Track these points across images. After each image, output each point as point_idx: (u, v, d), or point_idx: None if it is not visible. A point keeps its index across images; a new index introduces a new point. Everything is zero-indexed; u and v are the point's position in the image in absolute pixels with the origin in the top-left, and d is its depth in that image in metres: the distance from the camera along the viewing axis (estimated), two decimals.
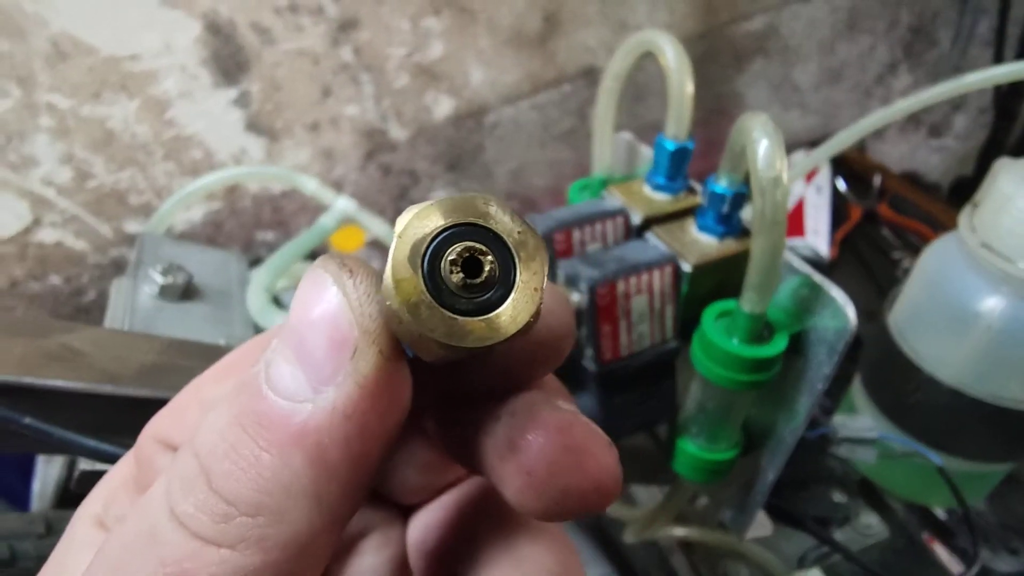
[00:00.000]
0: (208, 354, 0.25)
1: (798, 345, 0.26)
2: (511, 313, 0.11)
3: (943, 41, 1.03)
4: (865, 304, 0.84)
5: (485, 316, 0.11)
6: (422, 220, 0.10)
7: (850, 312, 0.23)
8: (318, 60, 0.74)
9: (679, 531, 0.45)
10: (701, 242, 0.26)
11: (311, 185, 0.37)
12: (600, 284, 0.24)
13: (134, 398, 0.21)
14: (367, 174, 0.84)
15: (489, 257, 0.11)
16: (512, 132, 0.89)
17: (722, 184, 0.25)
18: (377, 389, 0.12)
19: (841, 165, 0.98)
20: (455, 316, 0.11)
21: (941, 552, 0.49)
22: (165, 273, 0.28)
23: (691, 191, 0.29)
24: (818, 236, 0.86)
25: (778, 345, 0.25)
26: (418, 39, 0.76)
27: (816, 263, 0.85)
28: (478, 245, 0.11)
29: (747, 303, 0.24)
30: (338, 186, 0.84)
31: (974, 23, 1.00)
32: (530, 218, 0.28)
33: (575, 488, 0.13)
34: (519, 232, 0.11)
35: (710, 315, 0.26)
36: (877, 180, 0.92)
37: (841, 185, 0.94)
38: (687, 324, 0.27)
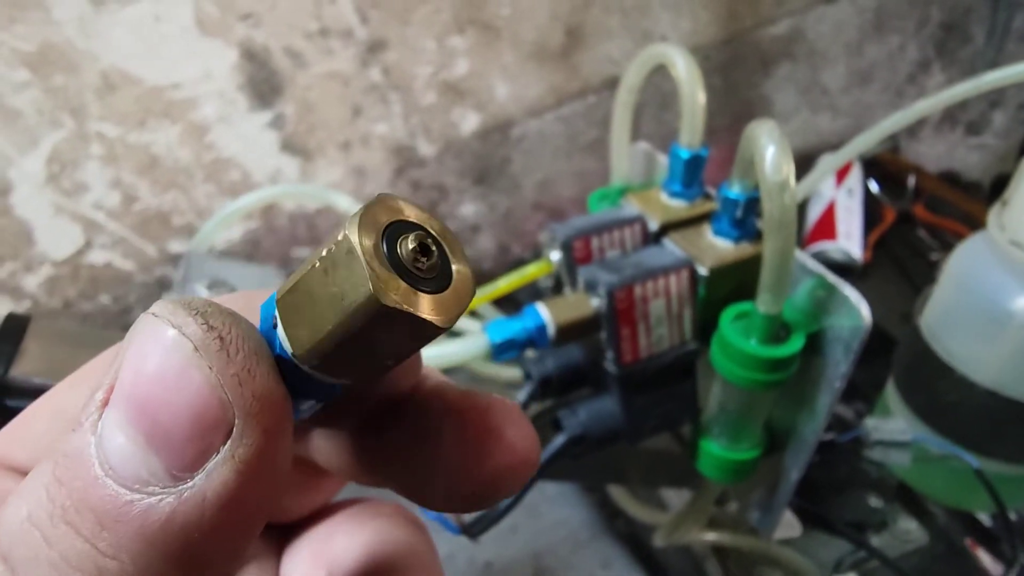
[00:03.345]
0: None
1: (815, 345, 0.26)
2: (455, 298, 0.11)
3: (977, 37, 1.01)
4: (901, 307, 0.82)
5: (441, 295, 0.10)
6: (371, 219, 0.10)
7: (864, 310, 0.24)
8: (348, 81, 0.77)
9: (711, 536, 0.45)
10: (717, 246, 0.28)
11: (344, 202, 0.39)
12: (618, 288, 0.25)
13: None
14: (397, 190, 0.86)
15: (434, 247, 0.11)
16: (538, 144, 0.91)
17: (735, 190, 0.26)
18: (261, 468, 0.09)
19: (873, 167, 0.97)
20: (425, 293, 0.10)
21: (984, 558, 0.48)
22: (211, 288, 0.30)
23: (707, 197, 0.30)
24: (850, 239, 0.85)
25: (795, 345, 0.25)
26: (444, 57, 0.79)
27: (849, 267, 0.84)
28: (424, 234, 0.11)
29: (762, 304, 0.25)
30: None
31: (1009, 17, 0.98)
32: (551, 227, 0.29)
33: (503, 466, 0.12)
34: (440, 227, 0.11)
35: (728, 317, 0.27)
36: (911, 181, 0.91)
37: (874, 187, 0.93)
38: (706, 327, 0.28)
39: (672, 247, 0.28)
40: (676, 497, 0.50)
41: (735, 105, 0.97)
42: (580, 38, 0.84)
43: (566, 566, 0.70)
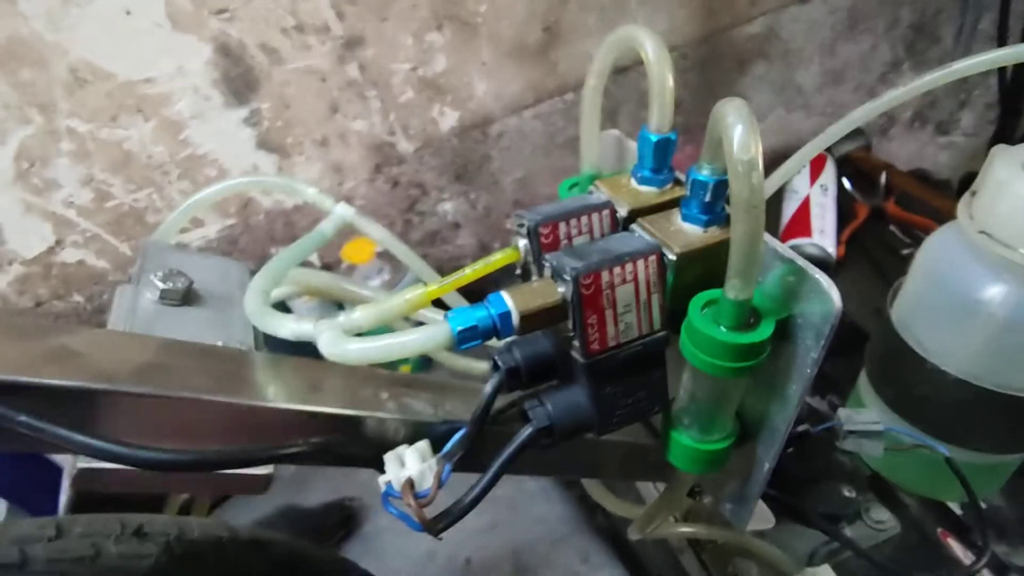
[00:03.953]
0: (204, 354, 0.25)
1: (786, 331, 0.25)
2: None
3: (946, 38, 1.02)
4: (874, 302, 0.82)
5: None
6: None
7: (834, 295, 0.23)
8: (325, 77, 0.75)
9: (686, 529, 0.44)
10: (685, 231, 0.26)
11: (310, 192, 0.38)
12: (584, 274, 0.24)
13: (129, 394, 0.22)
14: (376, 187, 0.85)
15: None
16: (517, 142, 0.89)
17: (704, 173, 0.25)
18: None
19: (847, 164, 0.97)
20: None
21: (956, 547, 0.48)
22: (165, 279, 0.28)
23: (677, 183, 0.29)
24: (824, 236, 0.85)
25: (764, 331, 0.24)
26: (422, 54, 0.78)
27: (824, 262, 0.84)
28: None
29: (731, 290, 0.24)
30: (348, 200, 0.85)
31: (976, 19, 0.98)
32: (517, 213, 0.28)
33: None
34: None
35: (697, 304, 0.26)
36: (883, 178, 0.91)
37: (847, 185, 0.93)
38: (677, 315, 0.27)
39: (641, 233, 0.27)
40: (652, 490, 0.49)
41: (712, 103, 0.97)
42: (558, 35, 0.83)
43: (545, 561, 0.69)
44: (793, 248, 0.87)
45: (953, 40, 1.01)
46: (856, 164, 0.97)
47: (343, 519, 0.71)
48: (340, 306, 0.47)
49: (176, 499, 0.36)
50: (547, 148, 0.92)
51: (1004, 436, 0.44)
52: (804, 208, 0.88)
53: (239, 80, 0.72)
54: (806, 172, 0.92)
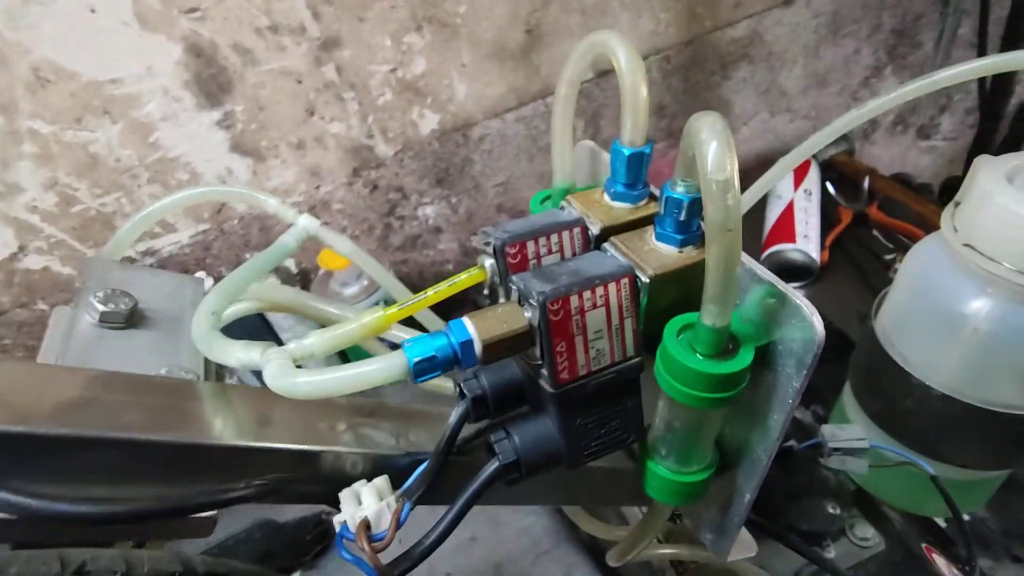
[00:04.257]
0: (139, 387, 0.23)
1: (766, 358, 0.24)
2: None
3: (927, 43, 1.01)
4: (858, 307, 0.81)
5: None
6: None
7: (817, 323, 0.21)
8: (301, 79, 0.73)
9: (668, 550, 0.43)
10: (660, 251, 0.25)
11: (272, 203, 0.35)
12: (551, 299, 0.22)
13: (49, 437, 0.19)
14: (354, 191, 0.82)
15: None
16: (499, 145, 0.87)
17: (678, 190, 0.24)
18: None
19: (830, 169, 0.96)
20: None
21: (941, 563, 0.46)
22: (106, 300, 0.26)
23: (652, 198, 0.27)
24: (808, 241, 0.84)
25: (743, 360, 0.23)
26: (401, 55, 0.75)
27: (808, 268, 0.83)
28: None
29: (707, 316, 0.22)
30: (325, 204, 0.83)
31: (956, 24, 0.98)
32: (484, 231, 0.26)
33: None
34: None
35: (673, 328, 0.24)
36: (866, 183, 0.90)
37: (831, 189, 0.92)
38: (652, 338, 0.25)
39: (613, 253, 0.25)
40: (636, 511, 0.48)
41: (695, 107, 0.95)
42: (540, 38, 0.81)
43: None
44: (777, 253, 0.86)
45: (934, 45, 1.01)
46: (840, 168, 0.96)
47: (319, 534, 0.69)
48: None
49: None
50: (530, 152, 0.90)
51: (989, 453, 0.43)
52: (788, 213, 0.87)
53: (211, 81, 0.70)
54: (790, 176, 0.91)
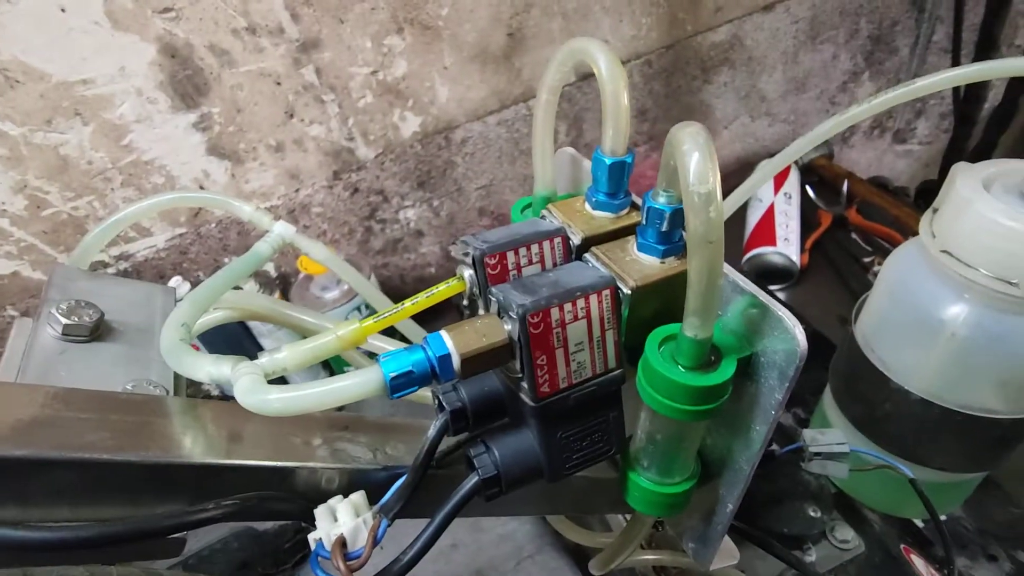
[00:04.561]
0: (102, 404, 0.22)
1: (749, 369, 0.24)
2: None
3: (903, 49, 1.03)
4: (838, 310, 0.82)
5: None
6: None
7: (799, 335, 0.21)
8: (280, 81, 0.71)
9: (651, 556, 0.42)
10: (642, 262, 0.24)
11: (246, 210, 0.34)
12: (531, 312, 0.22)
13: (4, 459, 0.18)
14: (334, 194, 0.81)
15: None
16: (482, 148, 0.87)
17: (660, 200, 0.23)
18: None
19: (810, 172, 0.97)
20: None
21: (919, 563, 0.47)
22: (69, 312, 0.25)
23: (634, 207, 0.27)
24: (789, 244, 0.85)
25: (725, 372, 0.22)
26: (382, 57, 0.74)
27: (788, 271, 0.83)
28: None
29: (689, 328, 0.22)
30: (305, 207, 0.81)
31: (931, 31, 0.99)
32: (463, 240, 0.26)
33: None
34: None
35: (655, 340, 0.24)
36: (845, 186, 0.91)
37: (811, 192, 0.93)
38: (634, 350, 0.25)
39: (595, 264, 0.25)
40: (619, 518, 0.47)
41: (677, 111, 0.96)
42: (522, 41, 0.80)
43: None
44: (758, 256, 0.87)
45: (910, 51, 1.02)
46: (819, 172, 0.97)
47: (299, 542, 0.67)
48: None
49: None
50: (512, 155, 0.90)
51: (966, 456, 0.43)
52: (768, 216, 0.87)
53: (187, 83, 0.68)
54: (770, 180, 0.92)
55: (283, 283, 0.84)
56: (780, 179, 0.91)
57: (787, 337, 0.22)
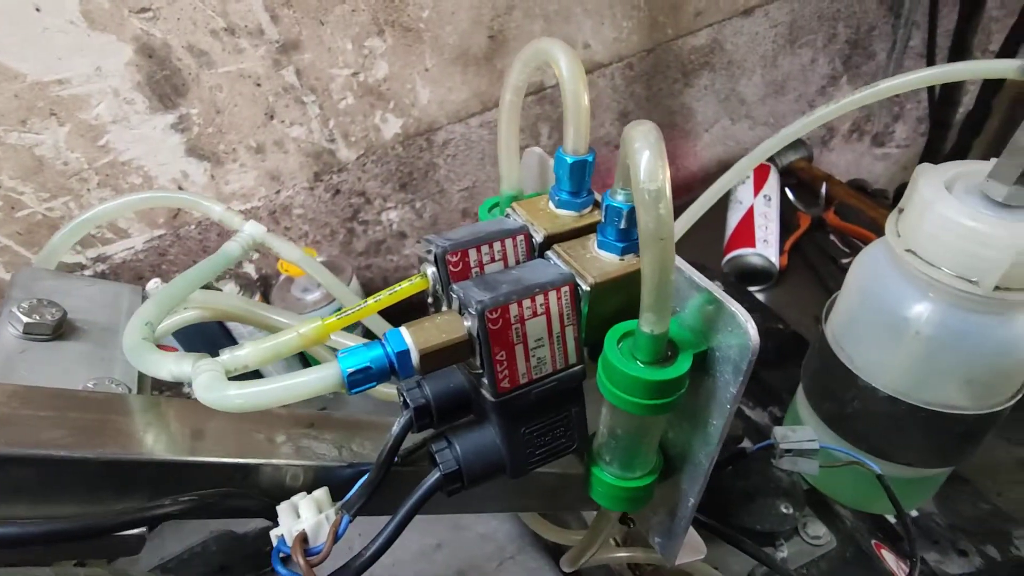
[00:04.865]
0: (62, 402, 0.22)
1: (705, 364, 0.24)
2: None
3: (880, 54, 1.04)
4: (815, 310, 0.83)
5: None
6: None
7: (751, 330, 0.22)
8: (260, 82, 0.71)
9: (623, 554, 0.43)
10: (601, 259, 0.25)
11: (216, 209, 0.34)
12: (490, 308, 0.22)
13: None
14: (316, 195, 0.81)
15: None
16: (463, 150, 0.87)
17: (618, 198, 0.24)
18: None
19: (789, 175, 0.98)
20: None
21: (889, 559, 0.48)
22: (31, 311, 0.25)
23: (597, 206, 0.27)
24: (768, 245, 0.86)
25: (681, 366, 0.23)
26: (363, 59, 0.75)
27: (768, 272, 0.84)
28: None
29: (645, 324, 0.22)
30: (286, 209, 0.81)
31: (908, 36, 1.01)
32: (426, 238, 0.26)
33: None
34: None
35: (613, 336, 0.24)
36: (823, 189, 0.93)
37: (790, 195, 0.94)
38: (596, 347, 0.25)
39: (556, 261, 0.25)
40: (592, 513, 0.48)
41: (658, 113, 0.97)
42: (503, 43, 0.81)
43: None
44: (738, 257, 0.88)
45: (887, 56, 1.04)
46: (798, 175, 0.98)
47: None
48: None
49: None
50: (494, 157, 0.90)
51: (932, 451, 0.44)
52: (748, 218, 0.88)
53: (165, 83, 0.68)
54: (750, 183, 0.93)
55: (264, 285, 0.84)
56: (760, 182, 0.92)
57: (740, 332, 0.22)
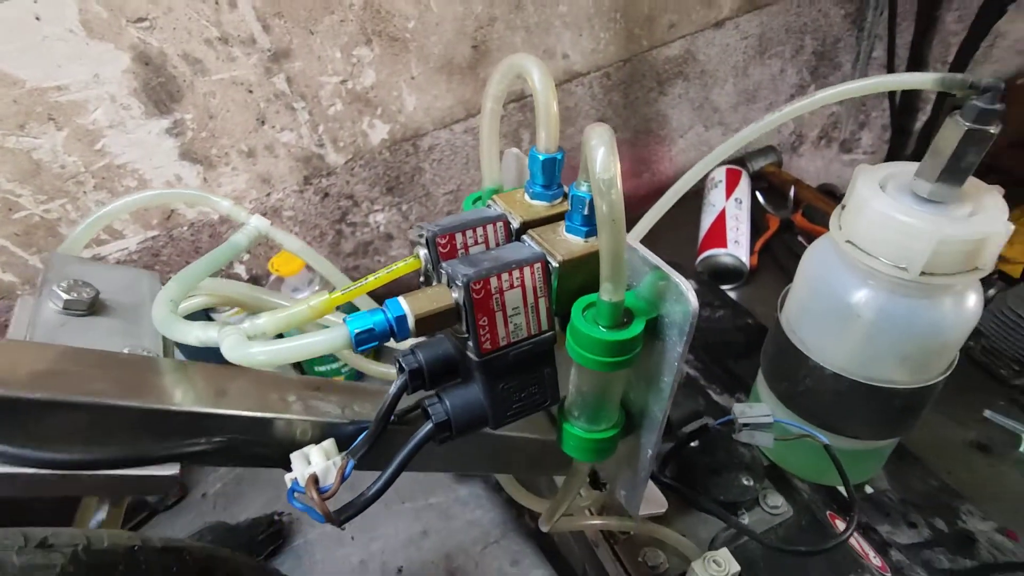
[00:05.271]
0: (105, 361, 0.26)
1: (656, 330, 0.29)
2: None
3: (845, 64, 1.12)
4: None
5: None
6: None
7: (691, 298, 0.27)
8: (252, 89, 0.76)
9: (597, 521, 0.47)
10: (568, 241, 0.30)
11: (224, 204, 0.39)
12: (474, 280, 0.27)
13: (24, 400, 0.23)
14: (305, 198, 0.85)
15: None
16: (448, 155, 0.92)
17: (582, 189, 0.29)
18: None
19: (759, 179, 1.05)
20: None
21: (841, 526, 0.53)
22: (69, 289, 0.29)
23: (567, 197, 0.32)
24: (739, 246, 0.91)
25: (636, 329, 0.28)
26: (351, 67, 0.79)
27: (739, 271, 0.90)
28: None
29: (605, 293, 0.27)
30: (277, 211, 0.85)
31: (871, 48, 1.09)
32: (418, 225, 0.31)
33: None
34: None
35: (579, 307, 0.29)
36: (792, 192, 0.99)
37: (760, 198, 1.00)
38: (565, 317, 0.30)
39: (530, 243, 0.30)
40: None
41: (635, 120, 1.03)
42: (486, 53, 0.86)
43: (476, 565, 0.71)
44: (710, 257, 0.93)
45: (852, 67, 1.11)
46: (768, 179, 1.04)
47: (272, 533, 0.70)
48: None
49: (86, 517, 0.36)
50: (478, 161, 0.95)
51: (874, 424, 0.49)
52: (720, 220, 0.94)
53: (160, 90, 0.72)
54: (723, 186, 0.99)
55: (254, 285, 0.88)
56: (731, 186, 0.98)
57: (684, 300, 0.27)
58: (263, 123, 0.78)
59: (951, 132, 0.40)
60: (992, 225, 0.41)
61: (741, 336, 0.77)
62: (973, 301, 0.45)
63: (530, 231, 0.30)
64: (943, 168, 0.41)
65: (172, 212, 0.79)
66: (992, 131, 0.39)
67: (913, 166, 0.45)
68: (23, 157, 0.69)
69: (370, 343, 0.26)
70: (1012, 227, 0.41)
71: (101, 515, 0.29)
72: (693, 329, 0.27)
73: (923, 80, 0.40)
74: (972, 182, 0.43)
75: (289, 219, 0.86)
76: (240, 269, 0.87)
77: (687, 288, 0.27)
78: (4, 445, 0.21)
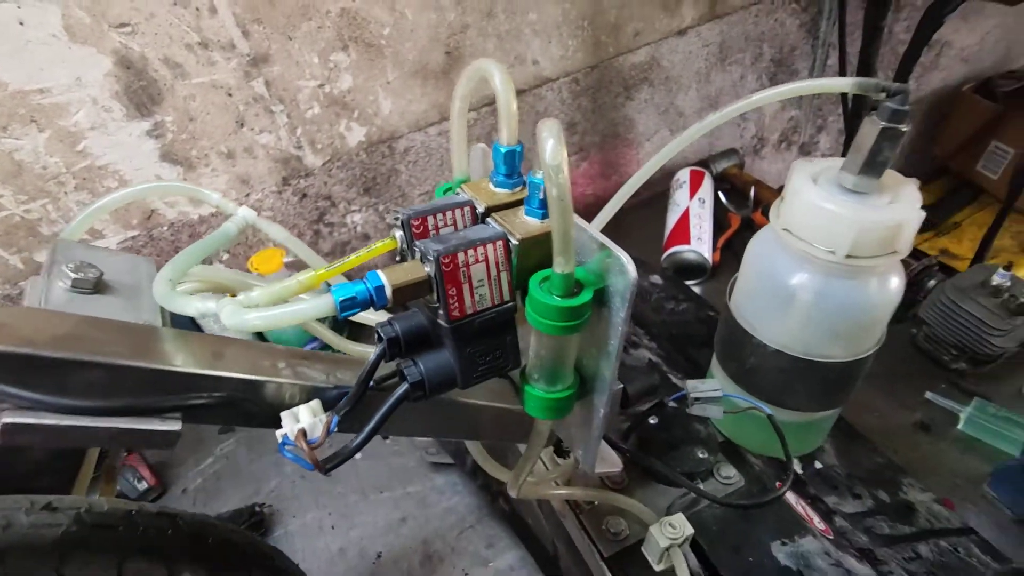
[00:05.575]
0: (117, 328, 0.30)
1: (603, 299, 0.34)
2: None
3: (802, 71, 1.19)
4: None
5: None
6: None
7: (631, 269, 0.31)
8: (231, 92, 0.79)
9: (563, 491, 0.52)
10: (527, 222, 0.34)
11: (215, 197, 0.43)
12: (444, 255, 0.31)
13: (51, 358, 0.26)
14: (284, 199, 0.89)
15: None
16: (423, 157, 0.97)
17: (538, 176, 0.33)
18: None
19: (722, 180, 1.11)
20: None
21: (789, 495, 0.58)
22: (77, 270, 0.33)
23: (526, 186, 0.37)
24: (702, 243, 0.97)
25: (585, 297, 0.32)
26: (328, 72, 0.84)
27: (702, 266, 0.96)
28: None
29: (557, 266, 0.31)
30: (256, 211, 0.88)
31: (826, 56, 1.16)
32: (395, 210, 0.35)
33: None
34: None
35: (536, 280, 0.33)
36: (752, 192, 1.05)
37: (722, 198, 1.07)
38: (525, 293, 0.34)
39: (493, 224, 0.35)
40: (539, 464, 0.57)
41: (603, 125, 1.09)
42: (459, 59, 0.91)
43: (453, 549, 0.75)
44: (675, 254, 0.99)
45: (808, 73, 1.19)
46: (731, 180, 1.11)
47: (253, 524, 0.73)
48: None
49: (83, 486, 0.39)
50: (451, 163, 0.99)
51: (813, 396, 0.55)
52: (684, 219, 1.00)
53: (141, 93, 0.75)
54: (687, 187, 1.05)
55: None
56: (695, 186, 1.04)
57: (624, 271, 0.32)
58: (242, 125, 0.82)
59: (868, 130, 0.46)
60: (907, 212, 0.47)
61: (703, 328, 0.82)
62: (895, 283, 0.51)
63: (493, 214, 0.35)
64: (863, 162, 0.47)
65: (152, 212, 0.82)
66: (903, 128, 0.45)
67: (841, 161, 0.51)
68: (5, 158, 0.71)
69: (353, 309, 0.30)
70: (923, 215, 0.47)
71: (94, 497, 0.33)
72: (633, 296, 0.32)
73: (842, 84, 0.46)
74: (891, 175, 0.49)
75: (268, 219, 0.89)
76: (219, 267, 0.90)
77: (627, 261, 0.32)
78: (32, 393, 0.25)
